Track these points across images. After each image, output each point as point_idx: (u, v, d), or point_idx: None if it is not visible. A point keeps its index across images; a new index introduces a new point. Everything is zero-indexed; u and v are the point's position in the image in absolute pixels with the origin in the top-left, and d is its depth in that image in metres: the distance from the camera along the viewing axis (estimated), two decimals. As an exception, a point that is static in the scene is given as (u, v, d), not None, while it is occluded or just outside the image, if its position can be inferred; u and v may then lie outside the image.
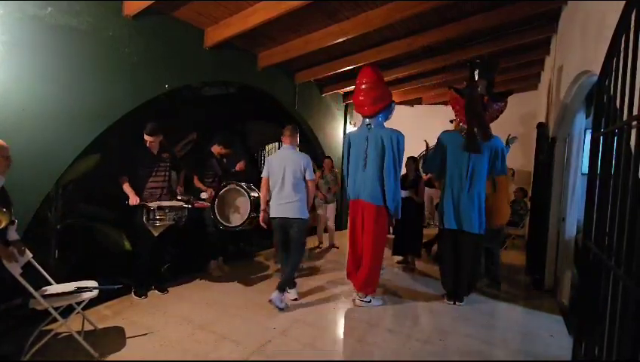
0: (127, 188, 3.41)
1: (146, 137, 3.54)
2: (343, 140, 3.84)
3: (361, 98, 3.62)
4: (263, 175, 3.64)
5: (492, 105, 3.62)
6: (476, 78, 3.64)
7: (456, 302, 3.63)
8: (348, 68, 5.50)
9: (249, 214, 3.86)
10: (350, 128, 8.00)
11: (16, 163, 2.44)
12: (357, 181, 3.59)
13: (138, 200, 3.37)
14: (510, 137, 5.54)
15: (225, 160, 4.41)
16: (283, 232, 3.57)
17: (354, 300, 3.59)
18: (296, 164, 3.50)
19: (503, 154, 3.64)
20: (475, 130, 3.52)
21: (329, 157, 6.16)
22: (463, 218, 3.55)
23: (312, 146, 7.32)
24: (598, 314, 1.74)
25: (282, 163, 3.53)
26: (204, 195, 3.99)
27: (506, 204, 4.05)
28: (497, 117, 3.74)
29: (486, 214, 3.86)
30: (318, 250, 5.84)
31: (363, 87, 3.60)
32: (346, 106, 8.01)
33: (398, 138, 3.49)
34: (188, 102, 6.40)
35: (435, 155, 3.79)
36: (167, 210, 3.38)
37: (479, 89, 3.59)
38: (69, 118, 3.15)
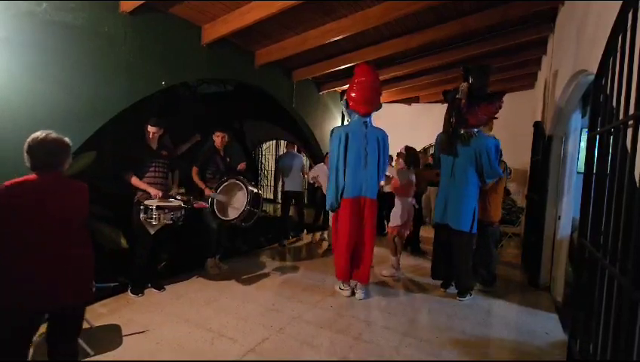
0: (139, 183, 3.44)
1: (150, 128, 3.53)
2: (336, 134, 3.72)
3: (369, 96, 3.70)
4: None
5: (471, 107, 3.59)
6: (470, 81, 3.67)
7: (458, 297, 3.73)
8: (345, 66, 5.49)
9: (244, 207, 3.80)
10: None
11: (10, 160, 2.42)
12: (358, 178, 3.63)
13: (160, 193, 3.44)
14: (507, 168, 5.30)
15: (228, 159, 4.37)
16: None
17: (353, 293, 3.74)
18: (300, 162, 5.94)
19: (489, 154, 3.54)
20: (450, 131, 3.70)
21: None
22: (449, 215, 3.70)
23: (310, 144, 7.32)
24: (592, 311, 1.76)
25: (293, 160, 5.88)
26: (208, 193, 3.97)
27: (494, 201, 4.05)
28: (489, 118, 3.70)
29: (480, 210, 3.92)
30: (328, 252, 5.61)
31: (371, 85, 3.71)
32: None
33: (387, 138, 3.80)
34: (186, 100, 6.38)
35: (435, 155, 4.06)
36: (165, 210, 3.36)
37: (459, 94, 3.64)
38: (64, 115, 3.12)
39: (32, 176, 1.75)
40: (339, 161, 3.66)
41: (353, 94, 3.72)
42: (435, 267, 4.01)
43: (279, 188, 6.20)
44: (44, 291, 1.72)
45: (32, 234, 1.70)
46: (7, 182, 1.68)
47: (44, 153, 1.76)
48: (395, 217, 4.42)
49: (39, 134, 1.78)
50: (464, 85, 3.66)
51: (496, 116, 3.76)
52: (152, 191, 3.44)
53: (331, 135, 3.82)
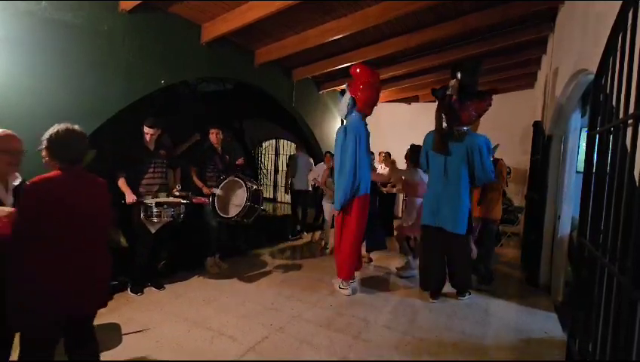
0: (123, 185, 3.35)
1: (146, 129, 3.51)
2: (349, 132, 3.74)
3: (376, 98, 3.85)
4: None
5: (463, 104, 3.52)
6: (459, 77, 3.61)
7: (459, 297, 3.70)
8: (345, 65, 5.48)
9: (245, 203, 3.81)
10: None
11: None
12: (366, 176, 3.80)
13: (135, 199, 3.32)
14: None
15: (227, 156, 4.37)
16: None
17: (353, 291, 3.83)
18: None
19: (481, 152, 3.45)
20: (443, 129, 3.59)
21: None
22: (443, 216, 3.56)
23: (309, 144, 7.31)
24: (592, 311, 1.76)
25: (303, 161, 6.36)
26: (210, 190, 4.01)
27: (496, 200, 4.04)
28: (479, 115, 3.62)
29: (483, 209, 3.92)
30: (327, 250, 5.55)
31: (378, 87, 3.84)
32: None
33: None
34: (186, 99, 6.38)
35: (422, 155, 3.90)
36: (165, 207, 3.36)
37: (449, 90, 3.55)
38: (64, 114, 3.10)
39: (56, 172, 1.64)
40: (355, 160, 3.68)
41: (361, 94, 3.73)
42: (424, 276, 3.81)
43: (288, 188, 6.54)
44: (77, 295, 1.67)
45: (64, 234, 1.61)
46: (35, 178, 1.57)
47: (70, 147, 1.67)
48: (405, 218, 4.42)
49: (62, 127, 1.67)
50: (454, 82, 3.58)
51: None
52: (128, 196, 3.31)
53: (344, 133, 3.73)
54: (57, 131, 1.67)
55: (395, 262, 4.87)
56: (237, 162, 4.47)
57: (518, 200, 7.01)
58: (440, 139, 3.61)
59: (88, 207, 1.71)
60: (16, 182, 1.89)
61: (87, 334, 1.84)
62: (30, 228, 1.54)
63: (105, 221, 1.84)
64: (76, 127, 1.72)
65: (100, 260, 1.79)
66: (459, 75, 3.59)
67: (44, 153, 1.69)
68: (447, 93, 3.56)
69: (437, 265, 3.67)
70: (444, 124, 3.59)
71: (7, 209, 1.66)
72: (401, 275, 4.41)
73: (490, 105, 3.60)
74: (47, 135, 1.67)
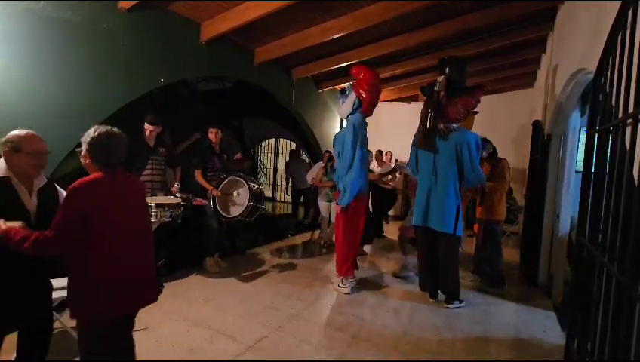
0: None
1: (147, 126, 3.54)
2: (357, 130, 3.76)
3: (378, 98, 3.90)
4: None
5: (451, 100, 3.45)
6: (447, 73, 3.58)
7: (445, 305, 3.51)
8: (345, 64, 5.48)
9: (248, 203, 3.82)
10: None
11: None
12: (367, 175, 3.87)
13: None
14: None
15: (225, 156, 4.37)
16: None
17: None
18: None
19: (470, 148, 3.34)
20: (427, 126, 3.53)
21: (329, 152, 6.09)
22: (431, 216, 3.49)
23: (309, 143, 7.31)
24: (590, 310, 1.76)
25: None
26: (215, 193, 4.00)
27: (499, 200, 4.03)
28: (468, 111, 3.54)
29: (484, 210, 3.89)
30: (324, 250, 5.60)
31: (380, 88, 3.88)
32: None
33: None
34: (185, 98, 6.37)
35: (411, 154, 3.84)
36: (165, 208, 3.35)
37: (437, 86, 3.50)
38: (62, 112, 3.12)
39: (98, 174, 1.64)
40: (361, 159, 3.74)
41: (366, 95, 3.74)
42: (422, 278, 3.76)
43: (289, 189, 7.06)
44: (133, 294, 1.73)
45: (112, 234, 1.61)
46: (77, 182, 1.55)
47: (111, 150, 1.67)
48: (409, 218, 4.37)
49: (102, 130, 1.67)
50: (442, 78, 3.53)
51: (476, 111, 3.63)
52: None
53: (353, 132, 3.70)
54: (98, 134, 1.65)
55: (394, 262, 4.88)
56: (235, 157, 4.47)
57: (517, 200, 7.01)
58: (422, 136, 3.56)
59: (132, 206, 1.74)
60: (42, 183, 1.88)
61: (130, 332, 1.89)
62: (74, 230, 1.52)
63: (147, 219, 1.85)
64: (115, 129, 1.72)
65: (148, 256, 1.82)
66: (447, 71, 3.57)
67: (84, 154, 1.68)
68: (435, 89, 3.52)
69: (431, 265, 3.62)
70: (428, 122, 3.53)
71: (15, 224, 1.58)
72: (397, 275, 4.38)
73: (479, 102, 3.52)
74: (87, 137, 1.66)
